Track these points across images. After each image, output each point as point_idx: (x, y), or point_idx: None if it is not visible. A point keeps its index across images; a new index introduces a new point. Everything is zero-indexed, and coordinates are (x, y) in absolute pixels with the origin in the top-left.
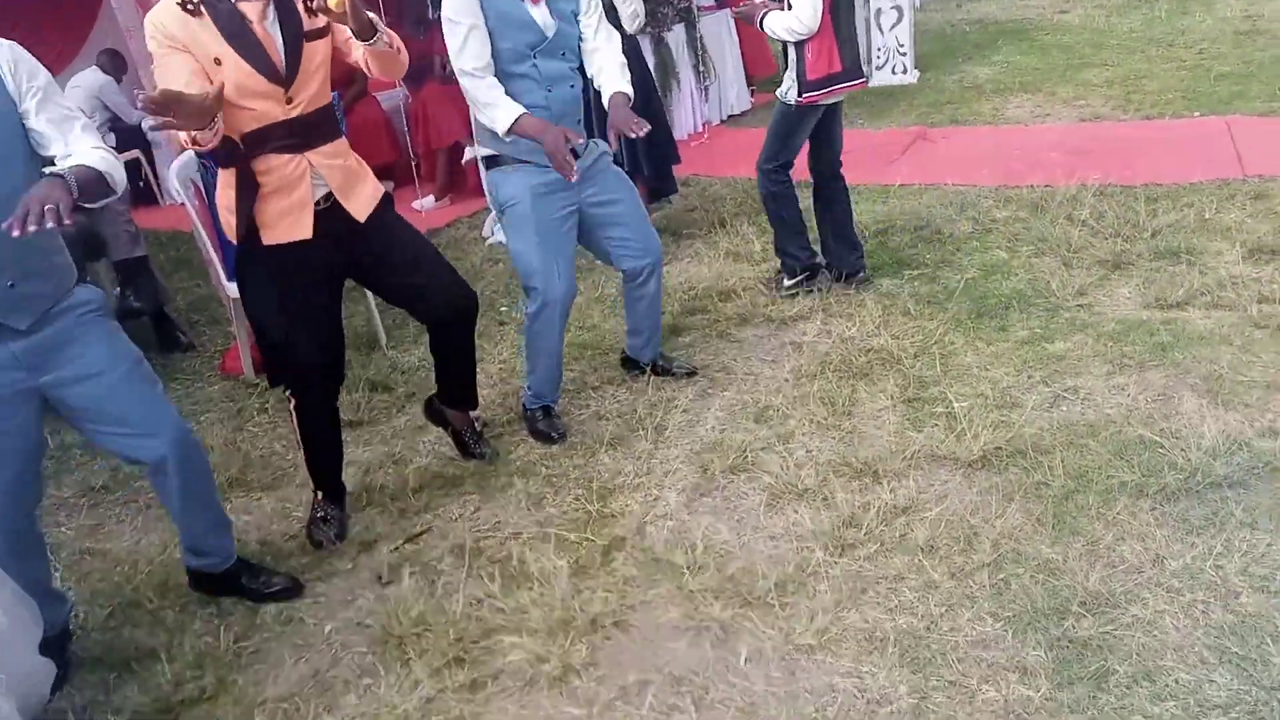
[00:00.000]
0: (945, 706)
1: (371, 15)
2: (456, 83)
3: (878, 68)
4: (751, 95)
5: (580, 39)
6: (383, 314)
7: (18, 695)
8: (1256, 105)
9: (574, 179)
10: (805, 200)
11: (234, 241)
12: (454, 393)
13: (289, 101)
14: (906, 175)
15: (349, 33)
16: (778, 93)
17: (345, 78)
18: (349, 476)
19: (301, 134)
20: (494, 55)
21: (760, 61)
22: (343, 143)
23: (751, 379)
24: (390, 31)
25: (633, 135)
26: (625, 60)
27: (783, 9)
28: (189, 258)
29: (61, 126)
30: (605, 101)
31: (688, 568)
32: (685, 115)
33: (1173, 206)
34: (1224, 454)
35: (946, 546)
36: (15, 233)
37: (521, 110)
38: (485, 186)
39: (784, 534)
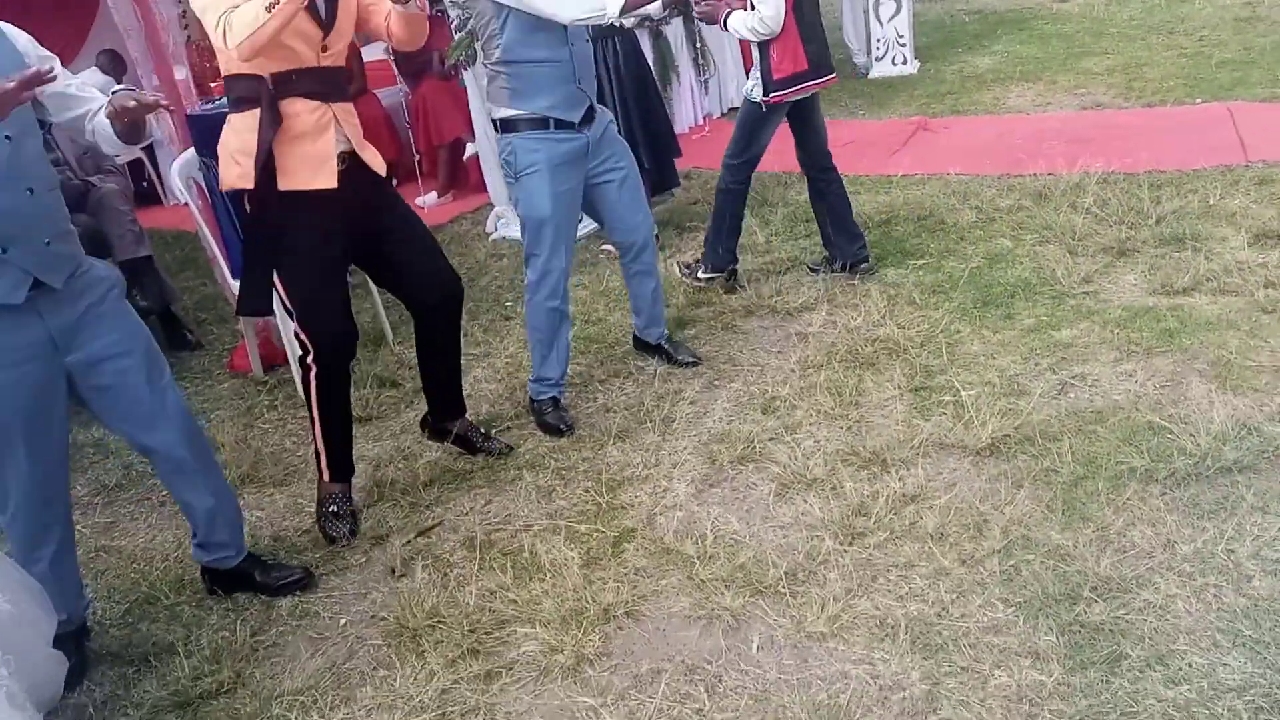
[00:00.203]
0: (958, 692)
1: None
2: (456, 78)
3: (877, 59)
4: None
5: None
6: (388, 311)
7: (30, 684)
8: (1258, 91)
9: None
10: (804, 193)
11: (239, 188)
12: (443, 398)
13: (324, 49)
14: (909, 166)
15: None
16: (744, 90)
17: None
18: (360, 471)
19: (328, 84)
20: (527, 8)
21: None
22: (353, 107)
23: (758, 370)
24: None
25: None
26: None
27: (745, 8)
28: (194, 257)
29: (85, 90)
30: None
31: (698, 557)
32: (685, 109)
33: (1177, 193)
34: (1233, 439)
35: (956, 534)
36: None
37: None
38: (500, 149)
39: (793, 523)
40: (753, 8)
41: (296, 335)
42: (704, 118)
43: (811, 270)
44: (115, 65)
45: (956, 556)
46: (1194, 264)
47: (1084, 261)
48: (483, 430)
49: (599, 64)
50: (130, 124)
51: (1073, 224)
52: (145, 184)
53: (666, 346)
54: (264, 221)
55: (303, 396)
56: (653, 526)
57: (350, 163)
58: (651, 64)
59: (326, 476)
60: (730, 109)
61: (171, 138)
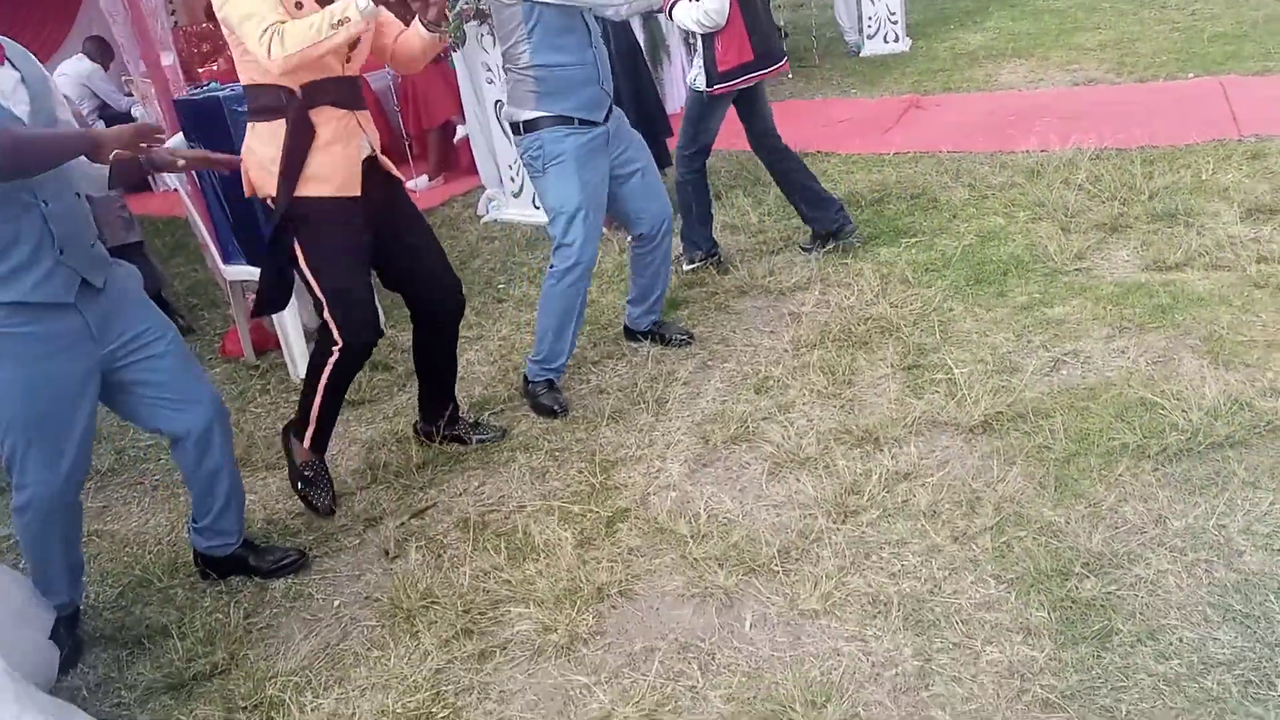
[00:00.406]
0: (950, 668)
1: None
2: (445, 61)
3: (869, 37)
4: None
5: None
6: (380, 295)
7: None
8: (1250, 65)
9: None
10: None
11: (262, 197)
12: (436, 399)
13: (348, 60)
14: (901, 143)
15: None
16: (688, 80)
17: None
18: (353, 455)
19: (352, 93)
20: (565, 11)
21: None
22: (369, 113)
23: (751, 350)
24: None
25: None
26: None
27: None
28: (185, 242)
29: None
30: None
31: (691, 537)
32: (676, 88)
33: (1169, 168)
34: (1225, 414)
35: (949, 511)
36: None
37: None
38: (525, 149)
39: (786, 502)
40: None
41: (325, 326)
42: None
43: (804, 250)
44: (102, 52)
45: (949, 533)
46: (1186, 239)
47: (1076, 238)
48: (471, 420)
49: None
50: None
51: (1065, 200)
52: None
53: (656, 328)
54: (290, 225)
55: (304, 374)
56: (646, 506)
57: (372, 167)
58: (642, 44)
59: (307, 444)
60: None
61: (159, 124)
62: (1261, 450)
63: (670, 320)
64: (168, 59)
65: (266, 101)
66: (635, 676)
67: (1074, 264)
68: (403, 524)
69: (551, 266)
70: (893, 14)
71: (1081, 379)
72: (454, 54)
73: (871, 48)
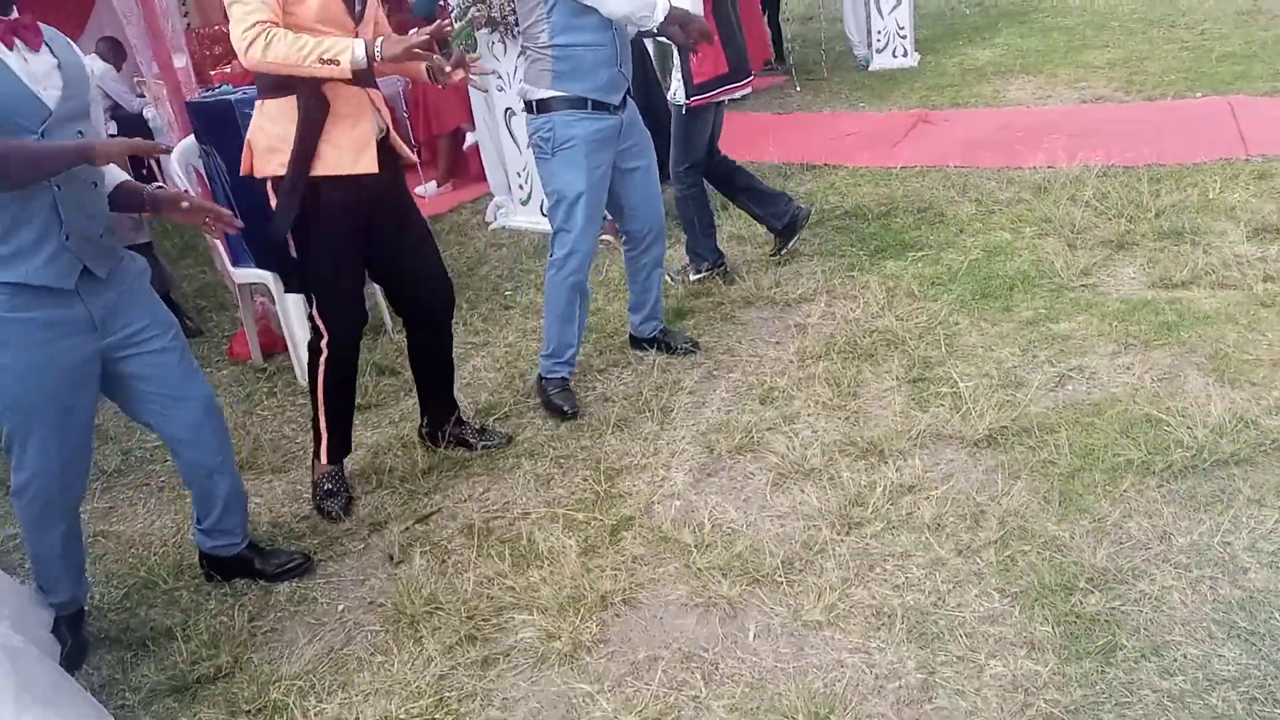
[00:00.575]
0: (953, 681)
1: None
2: None
3: (878, 51)
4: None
5: None
6: (387, 300)
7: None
8: (1259, 85)
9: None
10: (805, 184)
11: (260, 176)
12: (435, 401)
13: (355, 36)
14: (908, 158)
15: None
16: (669, 96)
17: None
18: (358, 459)
19: (362, 73)
20: None
21: (760, 47)
22: (380, 94)
23: (756, 360)
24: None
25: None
26: None
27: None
28: (194, 244)
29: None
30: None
31: (695, 546)
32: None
33: (1176, 186)
34: (1230, 432)
35: (953, 524)
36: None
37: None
38: (535, 129)
39: (790, 513)
40: None
41: (311, 319)
42: None
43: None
44: (115, 52)
45: (953, 547)
46: (1193, 257)
47: (1083, 254)
48: (477, 426)
49: None
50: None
51: (1072, 217)
52: (144, 171)
53: (662, 336)
54: (300, 205)
55: (307, 379)
56: (650, 515)
57: (384, 150)
58: (650, 53)
59: (325, 460)
60: (730, 100)
61: (171, 125)
62: (1266, 468)
63: (676, 329)
64: (180, 61)
65: (278, 79)
66: (638, 685)
67: (1080, 280)
68: (407, 529)
69: (551, 255)
70: (902, 29)
71: (1087, 395)
72: None
73: (880, 62)
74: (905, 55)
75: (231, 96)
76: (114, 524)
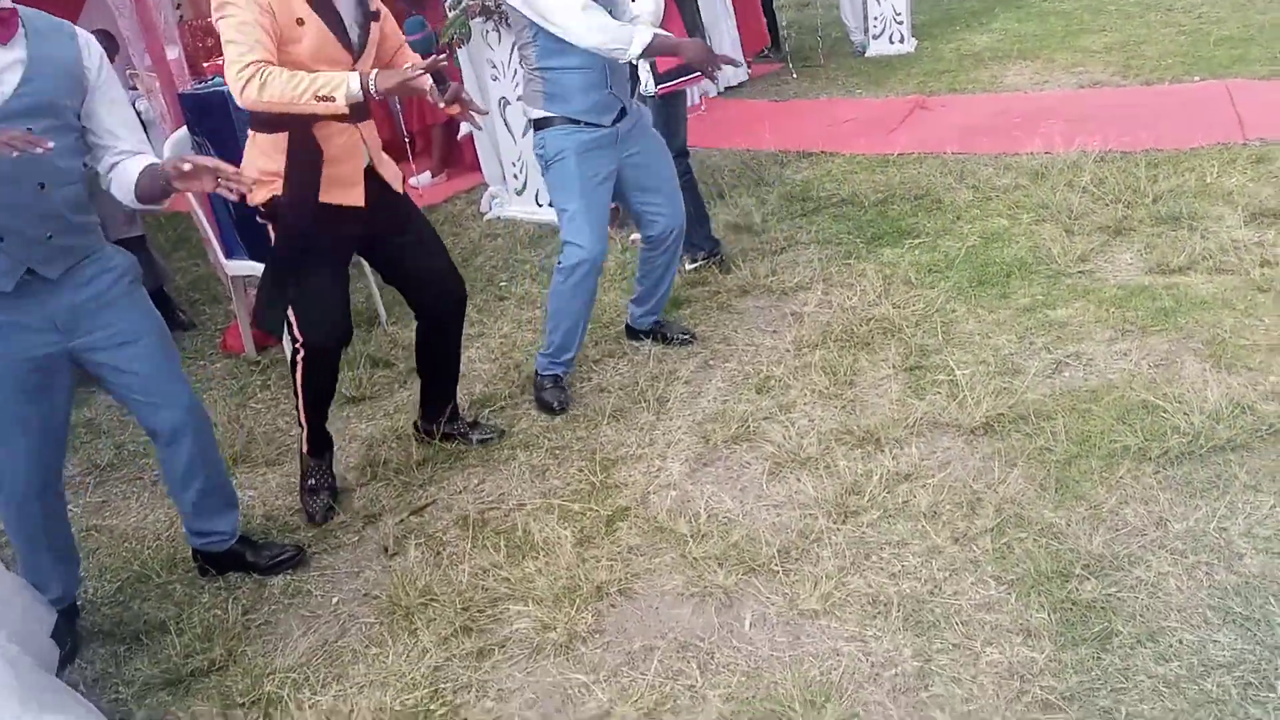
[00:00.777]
0: (949, 668)
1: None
2: (450, 57)
3: (874, 37)
4: (749, 68)
5: None
6: (381, 291)
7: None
8: (1257, 69)
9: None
10: (800, 172)
11: (252, 204)
12: (438, 399)
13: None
14: (905, 144)
15: (393, 24)
16: (641, 89)
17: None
18: (353, 451)
19: (357, 106)
20: (547, 26)
21: (756, 34)
22: (373, 122)
23: (753, 350)
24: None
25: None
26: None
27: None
28: (187, 237)
29: (133, 129)
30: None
31: (691, 536)
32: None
33: (1174, 172)
34: (1227, 417)
35: (949, 512)
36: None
37: (654, 31)
38: (534, 145)
39: (787, 502)
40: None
41: (289, 325)
42: (700, 97)
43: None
44: (108, 45)
45: (949, 534)
46: (1190, 243)
47: (1080, 240)
48: (470, 420)
49: None
50: (165, 189)
51: (1069, 203)
52: None
53: (658, 327)
54: (285, 231)
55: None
56: (646, 505)
57: (369, 175)
58: None
59: (305, 448)
60: (727, 87)
61: (164, 117)
62: (1263, 454)
63: (672, 319)
64: (173, 53)
65: (270, 115)
66: (634, 675)
67: (1077, 266)
68: (402, 521)
69: (559, 263)
70: (898, 14)
71: (1083, 381)
72: (459, 51)
73: (877, 48)
74: (902, 41)
75: (224, 88)
76: (107, 518)
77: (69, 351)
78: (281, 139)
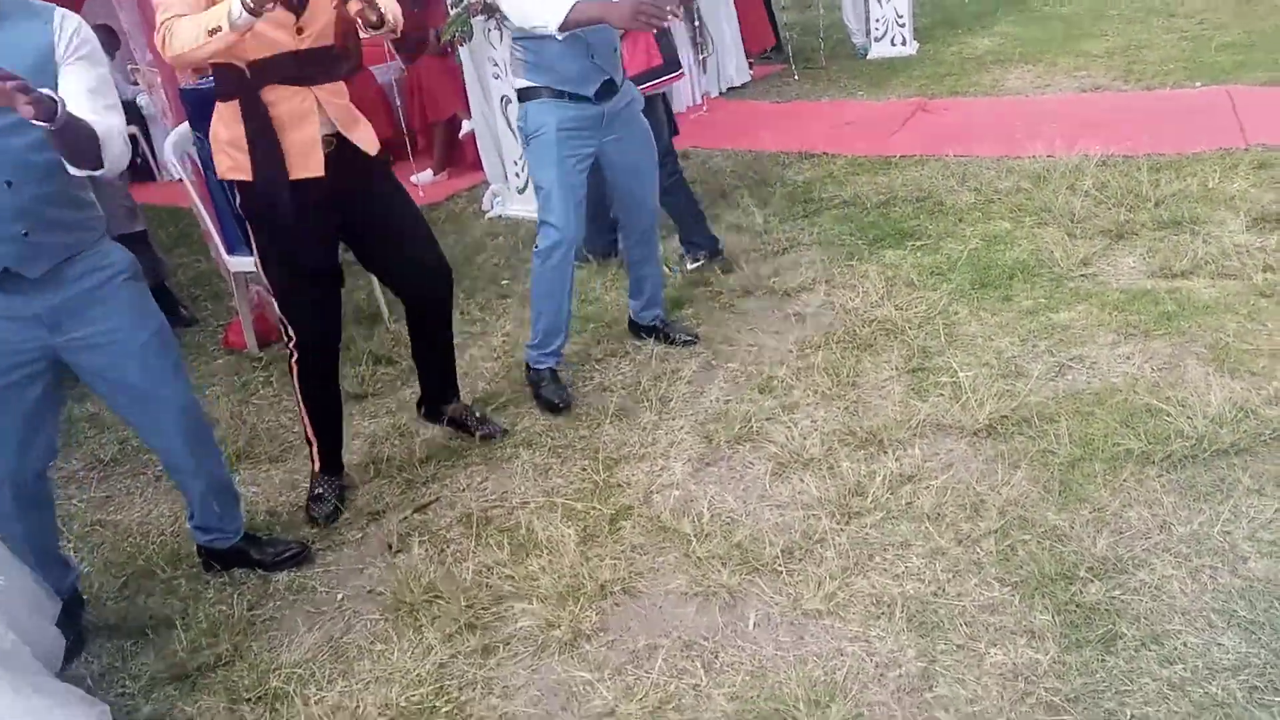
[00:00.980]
0: (953, 669)
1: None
2: (452, 55)
3: (876, 39)
4: (751, 68)
5: None
6: (383, 289)
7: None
8: (1259, 75)
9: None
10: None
11: (235, 179)
12: (436, 384)
13: (299, 31)
14: (907, 147)
15: None
16: None
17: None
18: (356, 448)
19: (309, 67)
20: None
21: (758, 35)
22: (342, 85)
23: (755, 350)
24: (397, 12)
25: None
26: None
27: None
28: (189, 233)
29: (91, 95)
30: None
31: (695, 535)
32: (683, 88)
33: (1176, 176)
34: (1230, 421)
35: (953, 514)
36: None
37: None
38: (516, 117)
39: (790, 502)
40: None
41: (280, 320)
42: (702, 97)
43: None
44: (109, 40)
45: (953, 536)
46: (1192, 247)
47: (1082, 244)
48: (478, 413)
49: None
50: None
51: (1071, 206)
52: (139, 160)
53: (662, 326)
54: (263, 222)
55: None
56: (649, 505)
57: (338, 145)
58: None
59: (317, 466)
60: (730, 88)
61: (165, 113)
62: (1266, 458)
63: (675, 320)
64: None
65: (223, 81)
66: (638, 674)
67: (1080, 270)
68: (405, 518)
69: (536, 245)
70: (900, 17)
71: (1087, 384)
72: (460, 49)
73: (878, 50)
74: (904, 44)
75: None
76: (111, 513)
77: (54, 349)
78: (234, 106)
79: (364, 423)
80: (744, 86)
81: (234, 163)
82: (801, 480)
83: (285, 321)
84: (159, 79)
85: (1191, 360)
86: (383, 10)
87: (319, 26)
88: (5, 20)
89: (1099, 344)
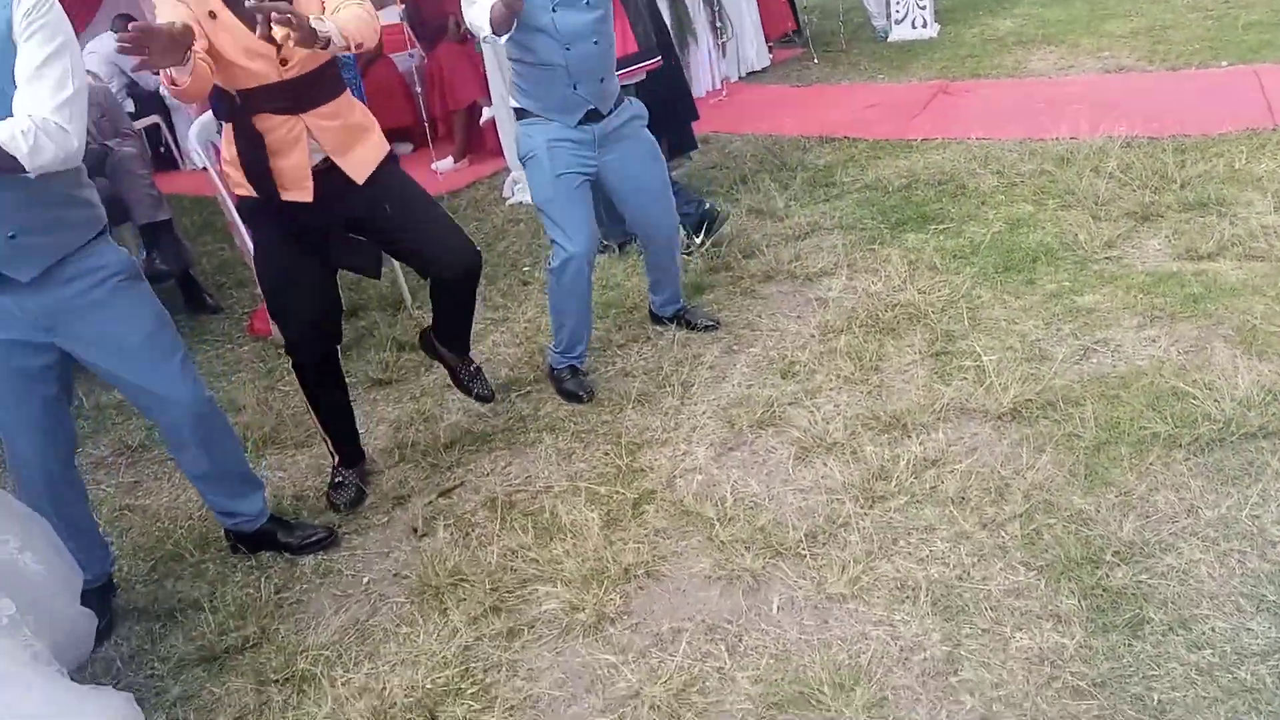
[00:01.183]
0: (978, 654)
1: (316, 23)
2: (473, 43)
3: (897, 22)
4: (770, 52)
5: None
6: (406, 275)
7: (55, 643)
8: None
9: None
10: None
11: (237, 195)
12: (447, 334)
13: (284, 63)
14: (929, 130)
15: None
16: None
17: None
18: (380, 433)
19: (297, 96)
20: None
21: (778, 19)
22: (344, 100)
23: (777, 335)
24: (353, 30)
25: None
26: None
27: None
28: (212, 221)
29: (29, 81)
30: None
31: (718, 519)
32: (703, 73)
33: (1201, 157)
34: (1258, 404)
35: (977, 498)
36: None
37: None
38: (503, 135)
39: (813, 487)
40: None
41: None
42: (721, 81)
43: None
44: None
45: (977, 520)
46: (1219, 229)
47: (1107, 226)
48: (473, 370)
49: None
50: None
51: (1096, 189)
52: (163, 149)
53: (683, 313)
54: (256, 228)
55: None
56: (672, 489)
57: (329, 169)
58: (669, 27)
59: (336, 459)
60: (749, 72)
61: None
62: None
63: (696, 305)
64: None
65: (221, 104)
66: (663, 657)
67: (1104, 252)
68: (430, 503)
69: (548, 265)
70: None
71: (1112, 368)
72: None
73: (899, 33)
74: (925, 26)
75: None
76: (139, 498)
77: (59, 347)
78: (230, 129)
79: (388, 408)
80: (764, 71)
81: (235, 179)
82: (825, 464)
83: (280, 329)
84: None
85: (1218, 343)
86: (318, 30)
87: (304, 55)
88: None
89: (1124, 327)
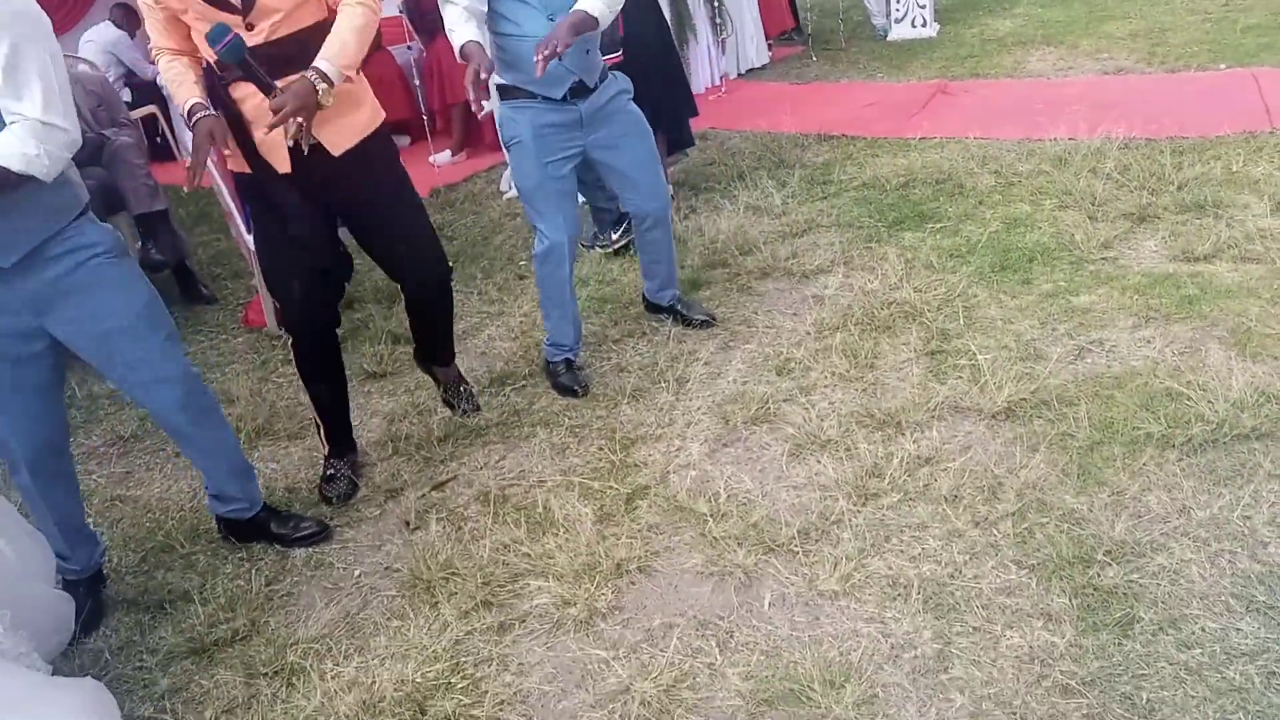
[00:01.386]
0: (969, 651)
1: (320, 87)
2: None
3: (896, 21)
4: (770, 49)
5: None
6: None
7: (32, 630)
8: None
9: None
10: (821, 155)
11: (233, 174)
12: (427, 349)
13: (250, 28)
14: (927, 129)
15: None
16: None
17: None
18: (374, 426)
19: (270, 62)
20: None
21: (778, 16)
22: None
23: (773, 332)
24: (347, 49)
25: (544, 56)
26: None
27: None
28: (209, 212)
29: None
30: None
31: (711, 515)
32: (702, 69)
33: (1199, 159)
34: (1252, 406)
35: (970, 496)
36: None
37: (468, 38)
38: (497, 119)
39: (806, 484)
40: None
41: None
42: (721, 78)
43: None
44: (128, 19)
45: (970, 518)
46: (1215, 231)
47: (1104, 227)
48: (462, 390)
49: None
50: None
51: (1093, 189)
52: (159, 139)
53: (679, 307)
54: (253, 207)
55: None
56: (666, 484)
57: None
58: (669, 23)
59: (327, 449)
60: (749, 69)
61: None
62: None
63: (692, 300)
64: None
65: (205, 77)
66: (654, 652)
67: (1100, 253)
68: (423, 496)
69: (533, 252)
70: None
71: (1106, 368)
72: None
73: (899, 32)
74: (924, 25)
75: None
76: (131, 489)
77: (45, 329)
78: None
79: (382, 401)
80: (763, 68)
81: (230, 151)
82: (818, 461)
83: (276, 305)
84: None
85: (1213, 344)
86: (322, 101)
87: (273, 21)
88: None
89: (1119, 327)
